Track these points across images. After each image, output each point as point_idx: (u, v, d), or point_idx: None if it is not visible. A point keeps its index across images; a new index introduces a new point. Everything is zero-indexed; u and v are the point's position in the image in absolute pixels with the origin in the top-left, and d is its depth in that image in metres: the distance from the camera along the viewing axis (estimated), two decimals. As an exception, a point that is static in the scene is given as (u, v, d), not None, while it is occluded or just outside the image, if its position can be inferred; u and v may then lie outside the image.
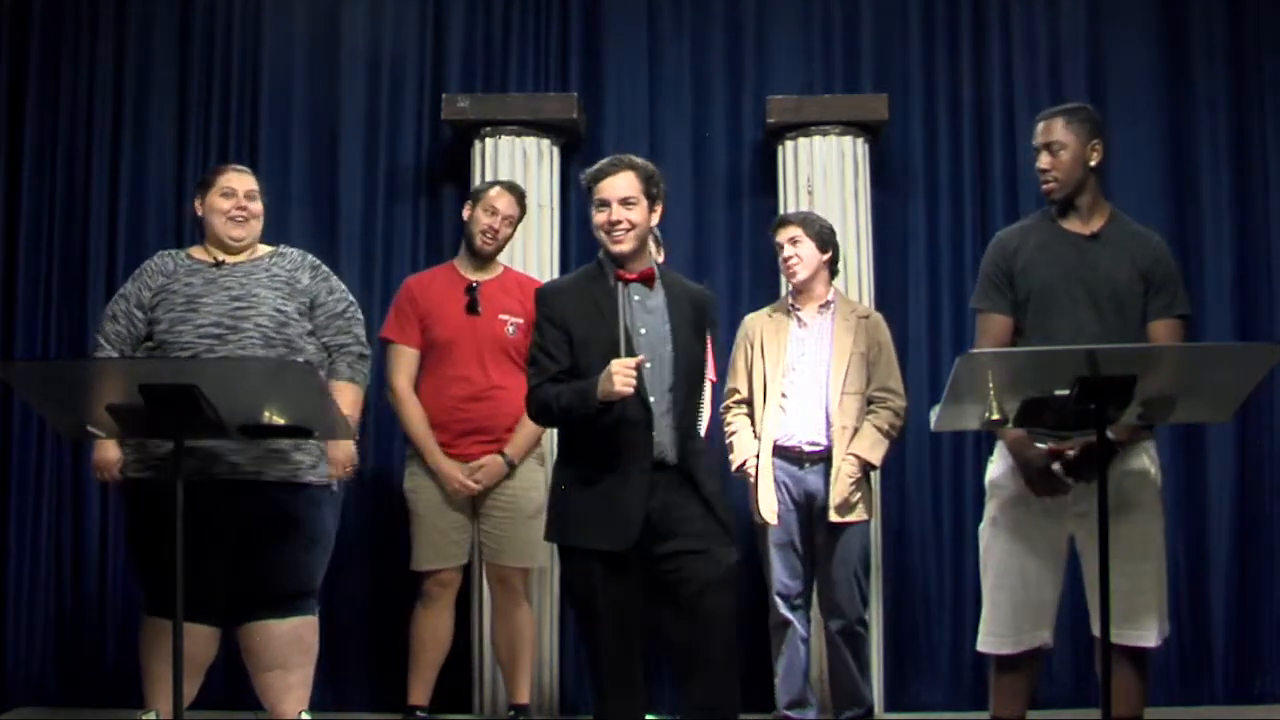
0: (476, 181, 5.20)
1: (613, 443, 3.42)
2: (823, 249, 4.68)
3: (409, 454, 4.75)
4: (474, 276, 4.75)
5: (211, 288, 3.94)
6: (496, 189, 4.78)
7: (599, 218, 3.49)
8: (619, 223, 3.45)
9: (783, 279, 5.17)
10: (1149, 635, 3.64)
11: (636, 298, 3.50)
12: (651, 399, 3.44)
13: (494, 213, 4.73)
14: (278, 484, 3.86)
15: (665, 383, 3.49)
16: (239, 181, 4.08)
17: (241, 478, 3.81)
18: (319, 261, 4.15)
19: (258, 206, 4.08)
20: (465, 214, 4.82)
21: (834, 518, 4.52)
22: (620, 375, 3.30)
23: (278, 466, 3.85)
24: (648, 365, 3.42)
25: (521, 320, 4.69)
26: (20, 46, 5.54)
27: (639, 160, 3.55)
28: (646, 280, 3.51)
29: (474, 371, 4.65)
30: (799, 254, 4.64)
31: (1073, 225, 3.78)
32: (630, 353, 3.40)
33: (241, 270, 3.99)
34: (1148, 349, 3.54)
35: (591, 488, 3.44)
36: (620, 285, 3.47)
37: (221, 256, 4.02)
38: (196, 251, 4.09)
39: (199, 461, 3.73)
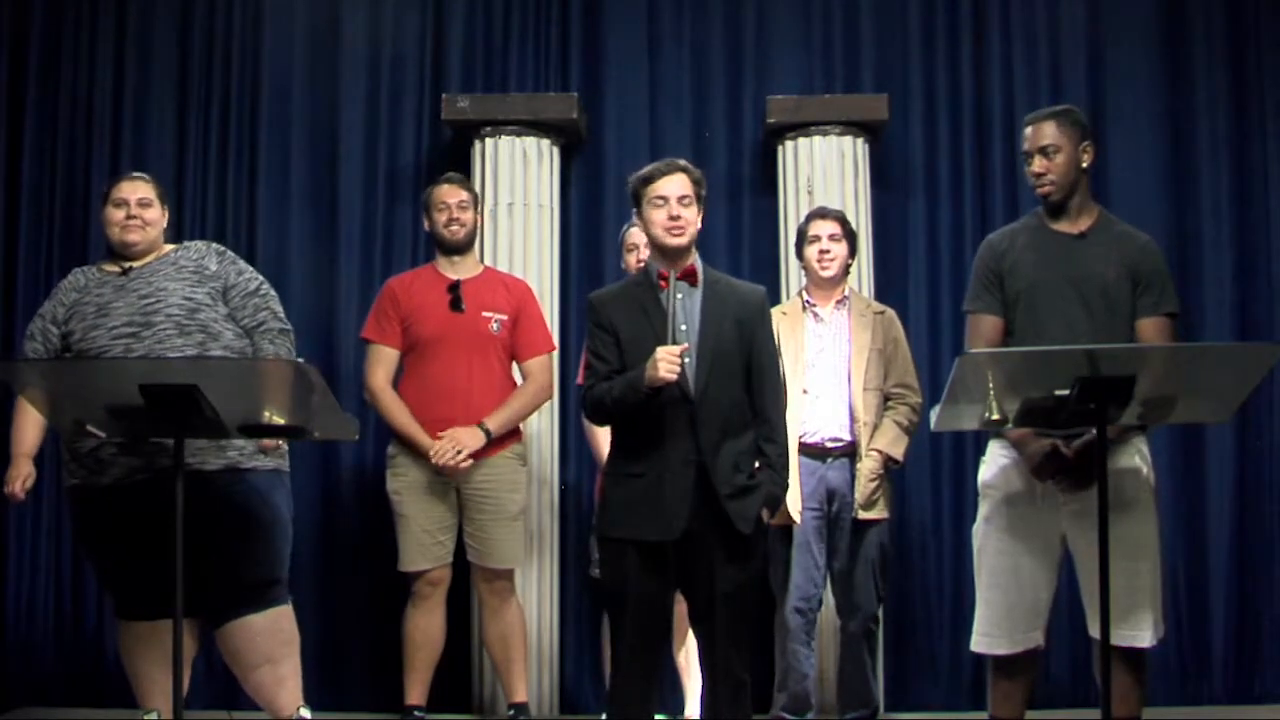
0: (477, 182, 5.19)
1: (656, 436, 3.52)
2: (851, 253, 4.70)
3: (390, 455, 4.74)
4: (455, 275, 4.76)
5: (121, 293, 3.96)
6: (435, 187, 4.79)
7: (657, 214, 3.59)
8: (679, 217, 3.57)
9: (784, 279, 5.18)
10: (1144, 635, 3.64)
11: (679, 295, 3.58)
12: (698, 391, 3.53)
13: (444, 206, 4.74)
14: (219, 473, 3.84)
15: (700, 378, 3.54)
16: (129, 190, 4.09)
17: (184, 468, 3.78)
18: (224, 248, 4.16)
19: (152, 213, 4.07)
20: (425, 224, 4.83)
21: (860, 515, 4.54)
22: (665, 361, 3.42)
23: (219, 455, 3.84)
24: (688, 359, 3.52)
25: (505, 316, 4.71)
26: (20, 46, 5.54)
27: (689, 164, 3.69)
28: (689, 278, 3.61)
29: (458, 369, 4.64)
30: (834, 251, 4.64)
31: (1061, 226, 3.80)
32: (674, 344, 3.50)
33: (149, 271, 4.01)
34: (1148, 349, 3.54)
35: (637, 480, 3.54)
36: (663, 283, 3.58)
37: (128, 264, 4.05)
38: (107, 264, 4.11)
39: (140, 459, 3.74)
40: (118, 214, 4.06)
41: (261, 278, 4.13)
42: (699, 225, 3.64)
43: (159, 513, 3.55)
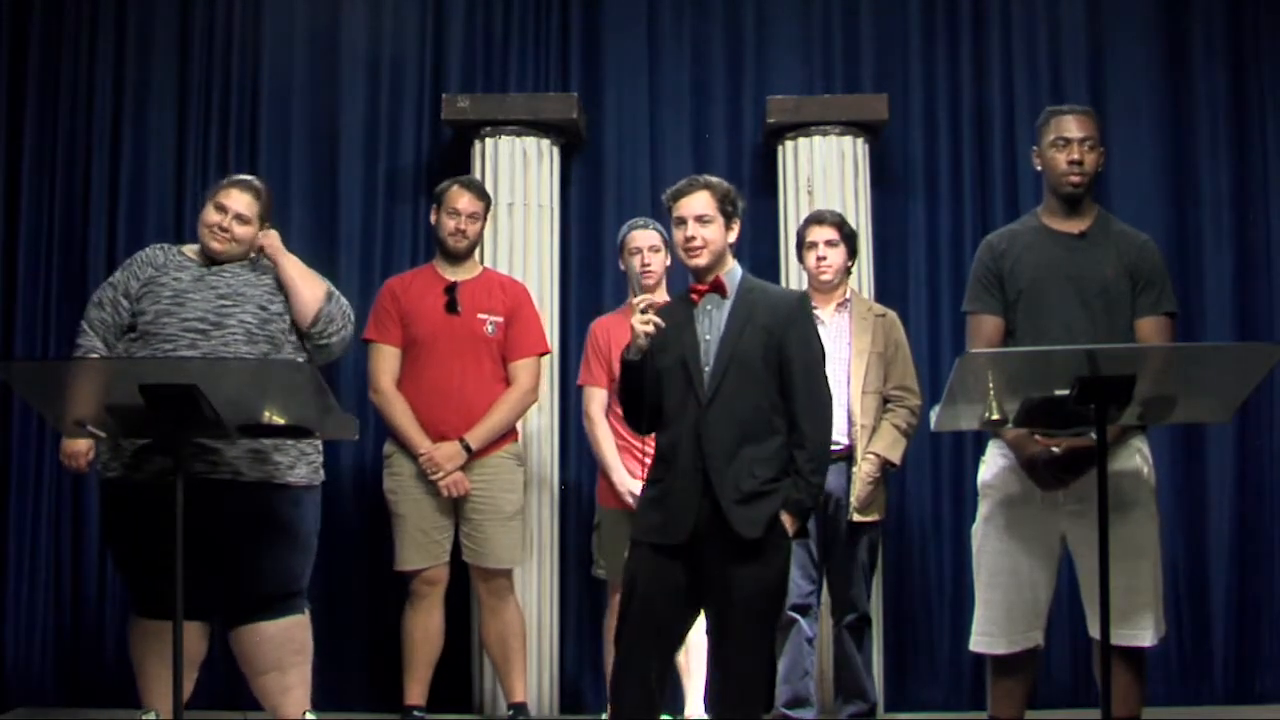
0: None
1: (673, 442, 3.56)
2: (850, 256, 4.69)
3: (386, 454, 4.74)
4: (453, 277, 4.76)
5: (199, 285, 3.97)
6: (454, 188, 4.76)
7: (677, 234, 3.66)
8: (693, 238, 3.61)
9: (784, 279, 5.18)
10: (1145, 635, 3.65)
11: (709, 307, 3.62)
12: (706, 397, 3.54)
13: (455, 213, 4.73)
14: (256, 485, 3.86)
15: (713, 384, 3.54)
16: (233, 199, 4.05)
17: (219, 477, 3.81)
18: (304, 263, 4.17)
19: (245, 231, 4.04)
20: (432, 218, 4.83)
21: (855, 517, 4.54)
22: (636, 319, 3.50)
23: (256, 468, 3.86)
24: (706, 367, 3.54)
25: (501, 319, 4.71)
26: (20, 46, 5.54)
27: (715, 180, 3.70)
28: (718, 289, 3.63)
29: (453, 371, 4.64)
30: (831, 257, 4.64)
31: (1061, 225, 3.80)
32: (696, 360, 3.54)
33: (230, 271, 4.03)
34: (1148, 349, 3.55)
35: (657, 484, 3.60)
36: (695, 296, 3.63)
37: (212, 257, 4.05)
38: (189, 249, 4.12)
39: (170, 460, 3.73)
40: (212, 217, 4.04)
41: (335, 291, 4.14)
42: (729, 239, 3.64)
43: (186, 515, 3.57)
